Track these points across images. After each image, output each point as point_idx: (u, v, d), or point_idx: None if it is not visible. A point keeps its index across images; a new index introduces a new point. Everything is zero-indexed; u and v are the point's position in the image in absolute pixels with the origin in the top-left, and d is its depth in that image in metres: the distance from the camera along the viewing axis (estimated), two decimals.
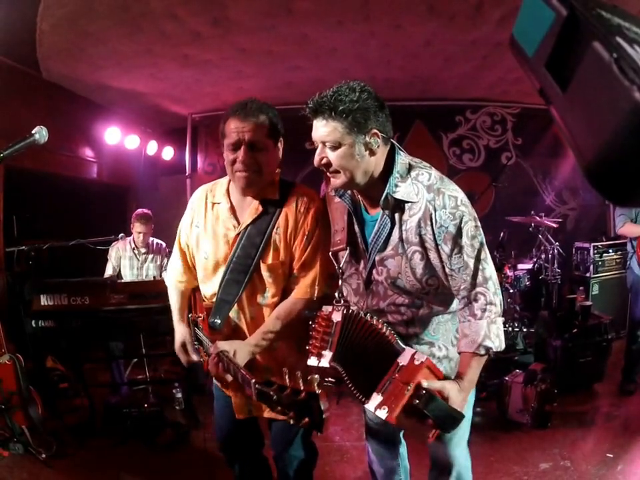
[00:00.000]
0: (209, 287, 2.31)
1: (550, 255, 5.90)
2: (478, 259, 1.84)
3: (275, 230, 2.18)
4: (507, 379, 4.21)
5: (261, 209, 2.19)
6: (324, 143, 1.86)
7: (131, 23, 4.35)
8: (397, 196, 1.88)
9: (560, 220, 6.80)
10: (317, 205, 2.20)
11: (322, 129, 1.84)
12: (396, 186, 1.89)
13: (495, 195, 7.01)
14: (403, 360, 1.76)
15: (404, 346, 1.82)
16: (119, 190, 7.59)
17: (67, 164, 6.20)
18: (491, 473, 3.44)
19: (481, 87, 6.58)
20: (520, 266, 5.90)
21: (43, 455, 3.54)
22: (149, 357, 4.87)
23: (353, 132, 1.80)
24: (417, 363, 1.74)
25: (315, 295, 2.17)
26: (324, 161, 1.88)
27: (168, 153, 7.66)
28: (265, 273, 2.19)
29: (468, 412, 2.16)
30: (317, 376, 1.57)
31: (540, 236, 6.00)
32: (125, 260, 5.11)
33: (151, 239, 5.16)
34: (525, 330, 5.37)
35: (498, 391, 4.27)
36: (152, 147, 7.33)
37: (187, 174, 7.60)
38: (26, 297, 4.05)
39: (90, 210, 6.44)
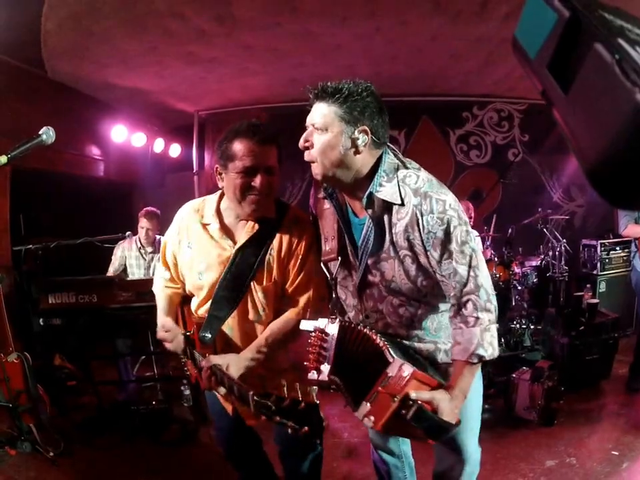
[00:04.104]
0: (201, 305, 2.29)
1: (557, 252, 5.89)
2: (469, 266, 1.80)
3: (269, 251, 2.16)
4: (514, 376, 4.20)
5: (257, 227, 2.17)
6: (313, 126, 1.86)
7: (135, 22, 4.35)
8: (380, 196, 1.85)
9: (567, 217, 6.78)
10: (310, 231, 2.19)
11: (316, 112, 1.85)
12: (380, 185, 1.86)
13: (502, 191, 7.01)
14: (391, 371, 1.74)
15: (394, 356, 1.77)
16: (126, 188, 7.60)
17: (74, 162, 6.21)
18: (497, 469, 3.44)
19: (486, 83, 6.54)
20: (527, 263, 5.88)
21: (51, 454, 3.56)
22: (157, 354, 4.88)
23: (344, 121, 1.79)
24: (404, 374, 1.71)
25: (308, 316, 2.16)
26: (308, 143, 1.88)
27: (175, 150, 7.65)
28: (259, 294, 2.19)
29: (478, 400, 2.14)
30: (315, 387, 1.58)
31: (547, 233, 5.98)
32: (131, 260, 5.06)
33: (158, 236, 5.13)
34: (532, 327, 5.36)
35: (505, 388, 4.26)
36: (159, 145, 7.33)
37: (194, 171, 7.61)
38: (33, 295, 4.08)
39: (97, 208, 6.44)
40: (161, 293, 2.43)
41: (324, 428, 1.54)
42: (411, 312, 2.00)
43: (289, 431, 1.57)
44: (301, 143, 1.89)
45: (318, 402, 1.56)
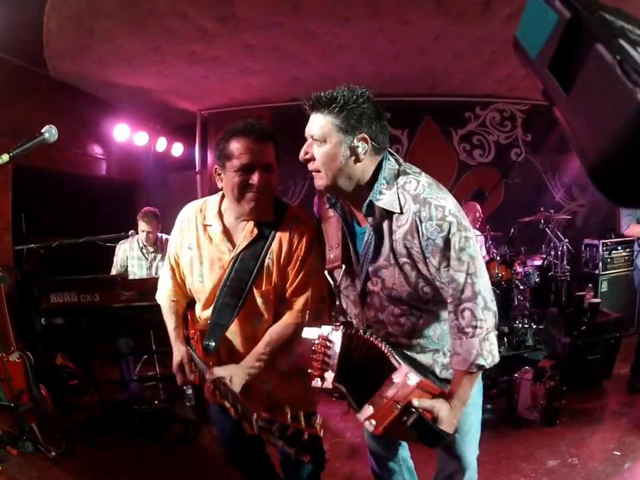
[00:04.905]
0: (203, 310, 2.27)
1: (559, 252, 5.89)
2: (467, 273, 1.76)
3: (268, 255, 2.14)
4: (516, 375, 4.19)
5: (256, 231, 2.14)
6: (312, 137, 1.84)
7: (137, 21, 4.36)
8: (380, 204, 1.83)
9: (569, 217, 6.78)
10: (310, 230, 2.16)
11: (313, 123, 1.83)
12: (380, 193, 1.83)
13: (505, 190, 7.02)
14: (397, 377, 1.72)
15: (401, 362, 1.77)
16: (128, 187, 7.61)
17: (76, 161, 6.22)
18: (499, 469, 3.44)
19: (489, 83, 6.55)
20: (530, 262, 5.88)
21: (53, 453, 3.55)
22: (159, 354, 4.87)
23: (342, 131, 1.77)
24: (409, 382, 1.70)
25: (306, 319, 2.14)
26: (308, 155, 1.85)
27: (177, 149, 7.67)
28: (258, 299, 2.17)
29: (477, 414, 2.16)
30: (319, 420, 1.58)
31: (549, 232, 5.97)
32: (133, 260, 5.00)
33: (160, 234, 5.04)
34: (534, 327, 5.36)
35: (507, 387, 4.25)
36: (161, 144, 7.34)
37: (196, 170, 7.62)
38: (35, 294, 4.07)
39: (99, 207, 6.45)
40: (168, 310, 2.40)
41: (325, 460, 1.54)
42: (412, 321, 1.97)
43: (292, 457, 1.56)
44: (301, 156, 1.87)
45: (322, 435, 1.54)
